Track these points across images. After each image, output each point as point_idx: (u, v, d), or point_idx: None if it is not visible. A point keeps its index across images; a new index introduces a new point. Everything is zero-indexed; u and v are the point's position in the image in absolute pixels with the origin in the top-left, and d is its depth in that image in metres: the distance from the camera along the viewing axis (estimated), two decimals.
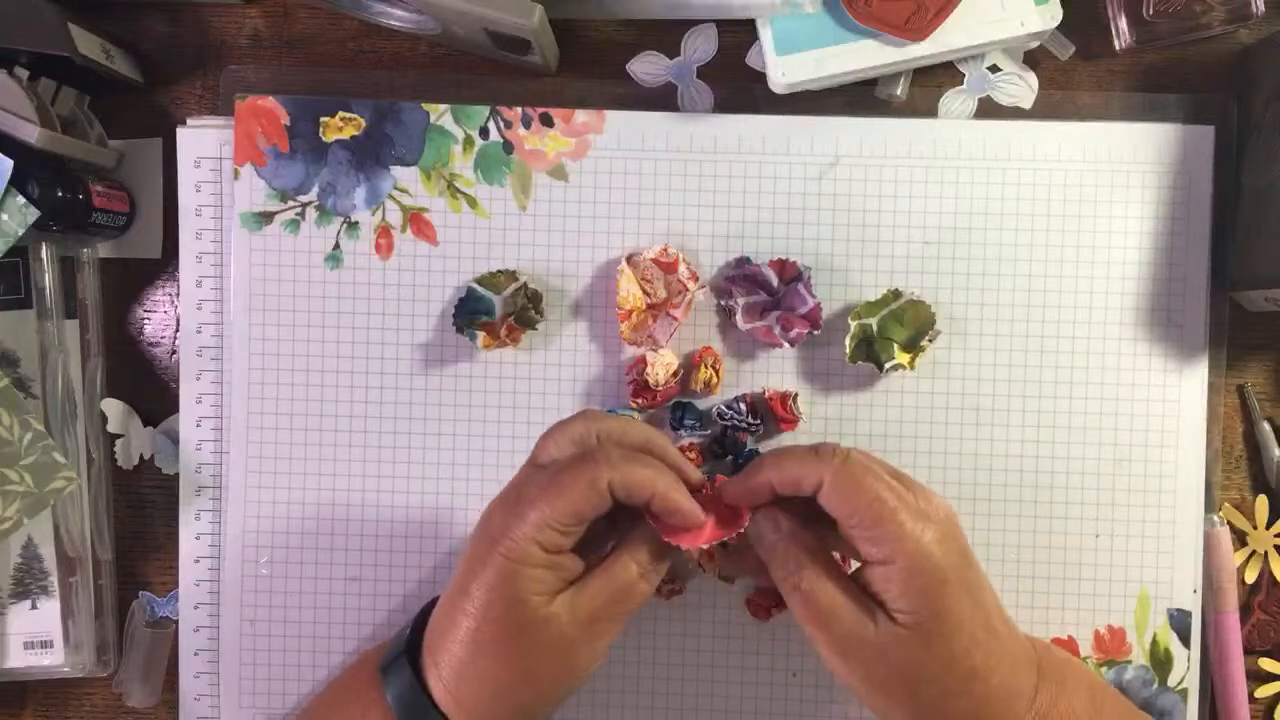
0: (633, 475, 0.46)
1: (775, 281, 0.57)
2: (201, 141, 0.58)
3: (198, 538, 0.59)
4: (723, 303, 0.57)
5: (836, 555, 0.50)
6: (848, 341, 0.56)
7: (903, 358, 0.56)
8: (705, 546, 0.49)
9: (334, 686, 0.54)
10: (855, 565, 0.49)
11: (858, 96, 0.58)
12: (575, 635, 0.47)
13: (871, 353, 0.56)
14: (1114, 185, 0.57)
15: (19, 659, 0.57)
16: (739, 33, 0.57)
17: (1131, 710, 0.52)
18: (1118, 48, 0.57)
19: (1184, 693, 0.57)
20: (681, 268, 0.56)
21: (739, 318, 0.56)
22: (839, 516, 0.46)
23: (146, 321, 0.60)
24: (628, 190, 0.58)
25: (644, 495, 0.47)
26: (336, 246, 0.58)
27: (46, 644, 0.57)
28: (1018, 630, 0.49)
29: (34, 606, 0.57)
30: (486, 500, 0.57)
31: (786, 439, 0.58)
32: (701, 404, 0.58)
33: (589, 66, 0.59)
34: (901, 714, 0.47)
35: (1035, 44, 0.57)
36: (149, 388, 0.60)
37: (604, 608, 0.47)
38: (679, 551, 0.48)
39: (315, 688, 0.58)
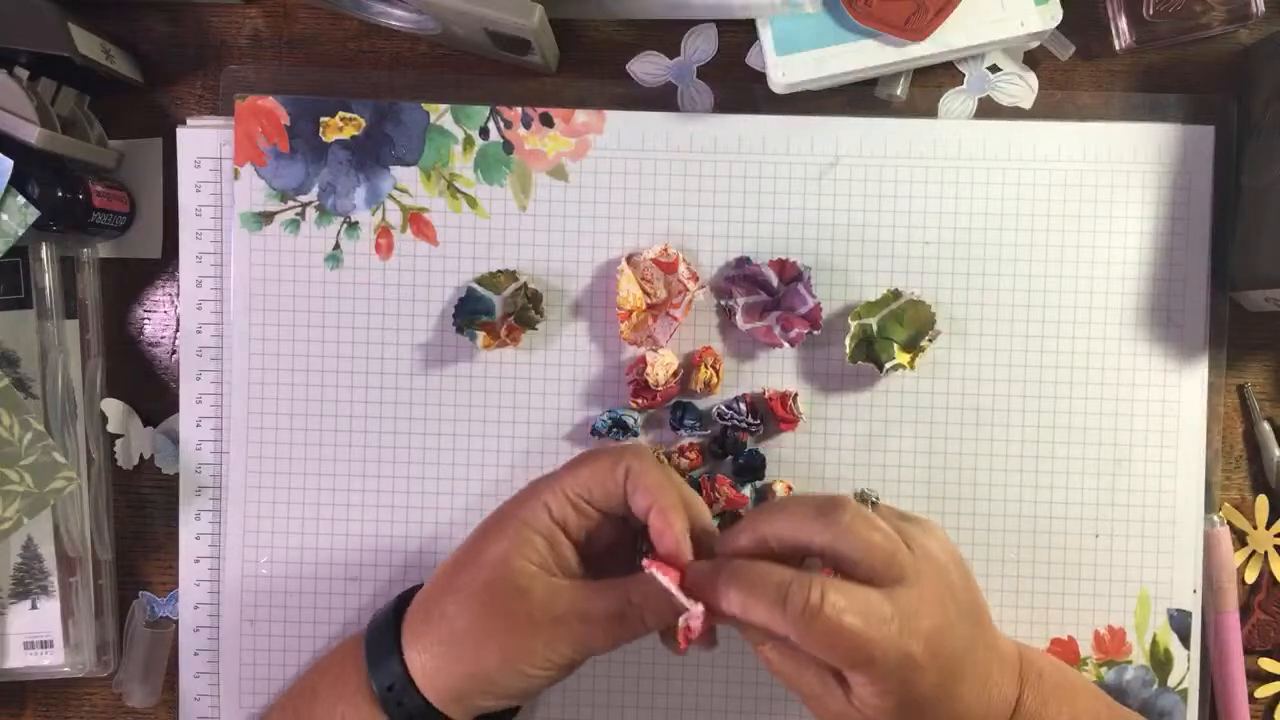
0: (649, 475, 0.47)
1: (775, 281, 0.57)
2: (201, 141, 0.58)
3: (198, 538, 0.59)
4: (723, 303, 0.57)
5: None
6: (848, 341, 0.56)
7: (903, 358, 0.56)
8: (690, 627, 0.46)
9: (319, 664, 0.54)
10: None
11: (858, 96, 0.58)
12: (538, 620, 0.46)
13: (871, 353, 0.56)
14: (1114, 185, 0.57)
15: (19, 659, 0.57)
16: (739, 33, 0.57)
17: (1108, 703, 0.52)
18: (1118, 48, 0.57)
19: (1184, 693, 0.57)
20: (681, 268, 0.56)
21: (739, 318, 0.56)
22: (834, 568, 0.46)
23: (146, 321, 0.60)
24: (628, 190, 0.58)
25: (648, 500, 0.47)
26: (336, 246, 0.58)
27: (46, 644, 0.57)
28: (995, 632, 0.49)
29: (34, 606, 0.57)
30: (486, 500, 0.58)
31: (786, 439, 0.57)
32: (701, 404, 0.58)
33: (589, 66, 0.59)
34: None
35: (1035, 44, 0.57)
36: (149, 388, 0.60)
37: (576, 616, 0.46)
38: (670, 632, 0.46)
39: None
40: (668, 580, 0.46)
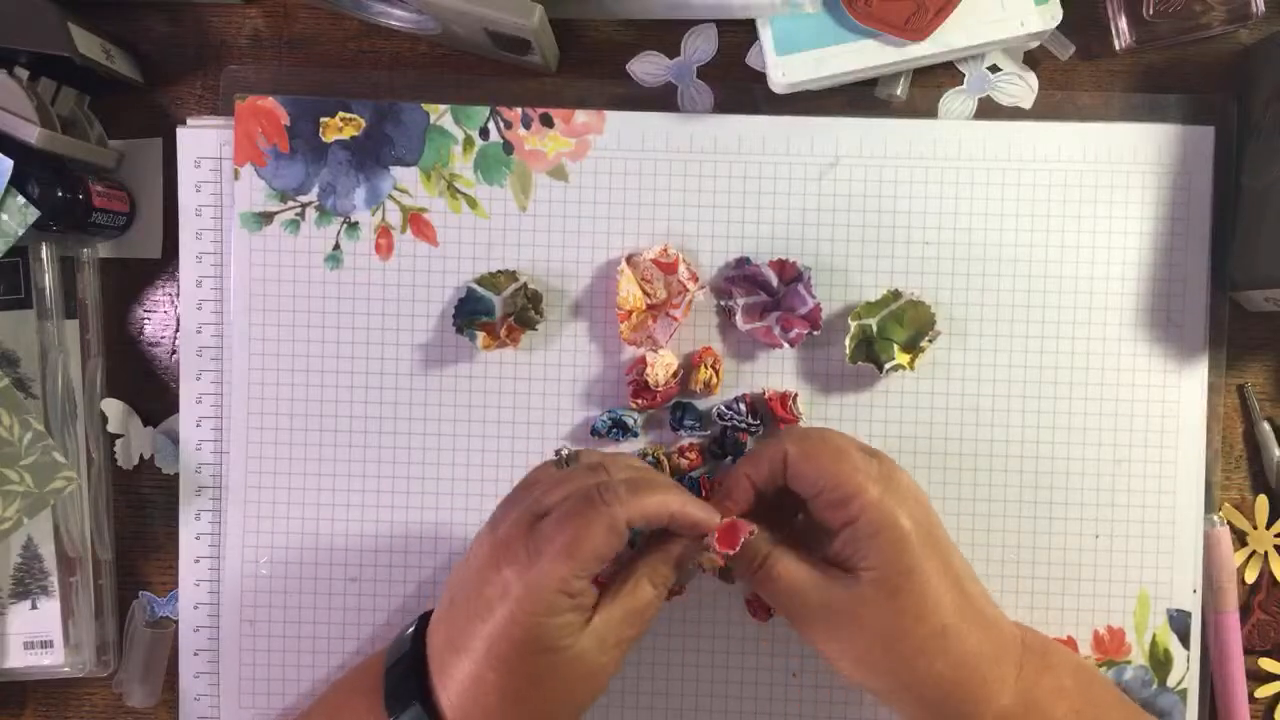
0: (646, 506, 0.46)
1: (775, 282, 0.57)
2: (201, 141, 0.58)
3: (198, 538, 0.59)
4: (723, 303, 0.57)
5: None
6: (848, 342, 0.56)
7: (903, 358, 0.56)
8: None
9: (328, 701, 0.53)
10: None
11: (858, 96, 0.58)
12: (605, 663, 0.47)
13: (871, 353, 0.56)
14: (1114, 185, 0.57)
15: (19, 659, 0.57)
16: (739, 33, 0.57)
17: (1119, 696, 0.52)
18: (1118, 48, 0.57)
19: (1183, 693, 0.57)
20: (681, 268, 0.56)
21: (739, 318, 0.56)
22: (804, 487, 0.48)
23: (146, 321, 0.60)
24: (628, 190, 0.58)
25: (662, 520, 0.47)
26: (336, 247, 0.58)
27: (46, 644, 0.57)
28: (999, 612, 0.50)
29: (34, 606, 0.57)
30: (486, 500, 0.58)
31: None
32: (701, 404, 0.58)
33: (589, 66, 0.59)
34: (884, 683, 0.48)
35: (1035, 44, 0.57)
36: (149, 388, 0.60)
37: (626, 630, 0.47)
38: (690, 564, 0.50)
39: (315, 688, 0.58)
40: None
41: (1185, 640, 0.57)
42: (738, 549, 0.47)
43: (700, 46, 0.58)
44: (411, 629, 0.50)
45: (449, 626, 0.48)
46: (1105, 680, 0.53)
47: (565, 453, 0.50)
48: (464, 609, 0.47)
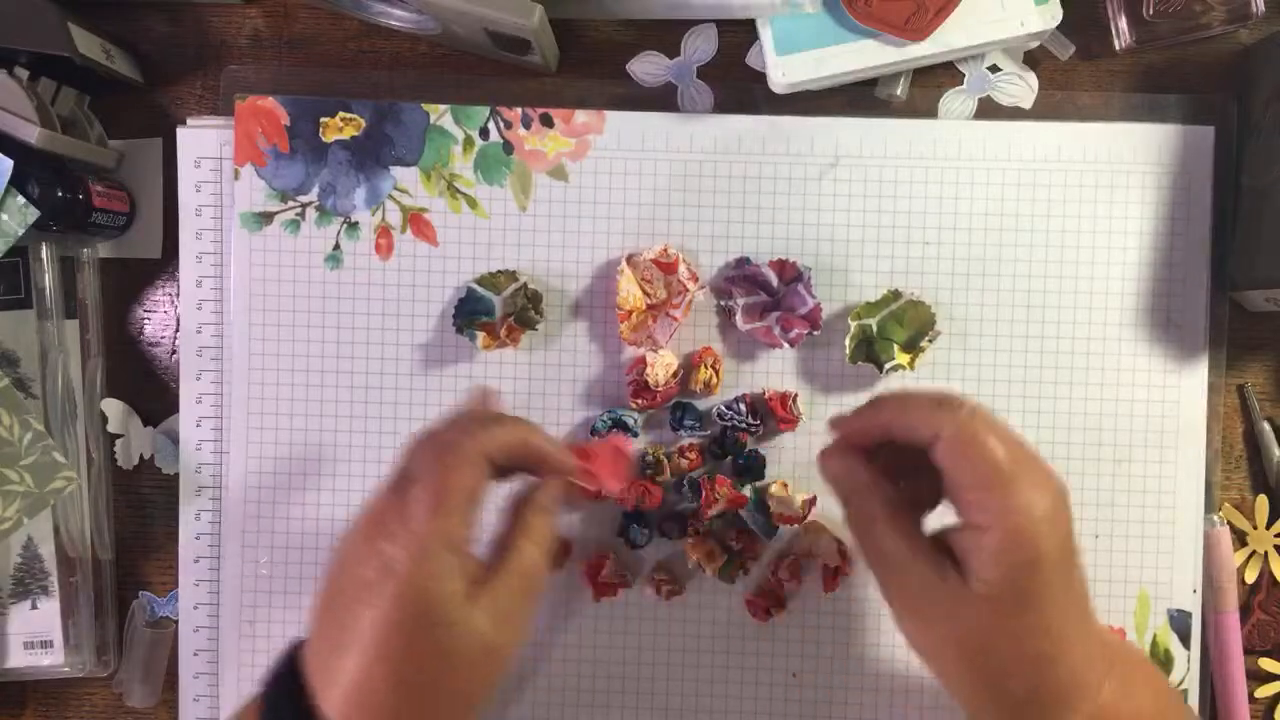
0: (499, 435, 0.45)
1: (775, 282, 0.57)
2: (201, 141, 0.58)
3: (197, 538, 0.59)
4: (723, 303, 0.57)
5: None
6: (848, 342, 0.56)
7: (903, 358, 0.56)
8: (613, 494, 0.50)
9: None
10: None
11: (858, 96, 0.58)
12: (501, 642, 0.44)
13: (871, 353, 0.56)
14: (1114, 185, 0.57)
15: (19, 659, 0.57)
16: (739, 33, 0.57)
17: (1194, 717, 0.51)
18: (1118, 48, 0.57)
19: (1184, 693, 0.57)
20: (681, 268, 0.56)
21: (739, 318, 0.56)
22: (951, 472, 0.44)
23: (146, 321, 0.60)
24: (628, 190, 0.58)
25: (519, 448, 0.46)
26: (336, 247, 0.58)
27: (46, 644, 0.57)
28: (1097, 622, 0.47)
29: (34, 606, 0.57)
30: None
31: (786, 439, 0.58)
32: (701, 404, 0.58)
33: (589, 66, 0.59)
34: (956, 679, 0.46)
35: (1035, 44, 0.57)
36: (149, 388, 0.60)
37: (519, 601, 0.45)
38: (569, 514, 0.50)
39: None
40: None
41: (1185, 640, 0.57)
42: (625, 482, 0.46)
43: (700, 46, 0.58)
44: (282, 656, 0.46)
45: (329, 628, 0.44)
46: (1185, 706, 0.50)
47: None
48: (342, 605, 0.44)
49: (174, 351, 0.60)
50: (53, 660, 0.57)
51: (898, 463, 0.48)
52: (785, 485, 0.57)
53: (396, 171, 0.58)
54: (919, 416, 0.45)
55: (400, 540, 0.43)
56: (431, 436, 0.46)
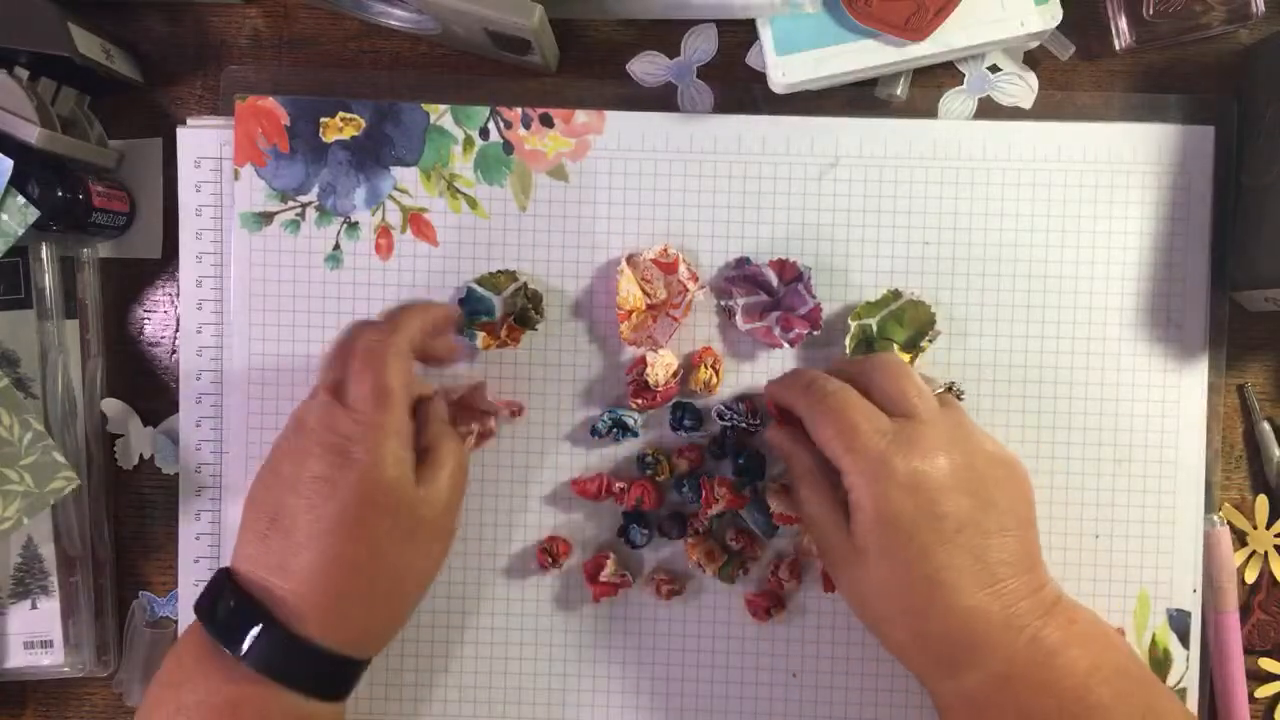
0: (407, 321, 0.51)
1: (775, 282, 0.57)
2: (201, 141, 0.58)
3: (198, 538, 0.59)
4: (723, 303, 0.57)
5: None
6: (848, 342, 0.56)
7: (903, 358, 0.56)
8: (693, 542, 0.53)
9: (159, 678, 0.49)
10: None
11: (858, 96, 0.58)
12: (446, 524, 0.51)
13: (871, 353, 0.56)
14: (1114, 185, 0.57)
15: (19, 659, 0.57)
16: (739, 33, 0.57)
17: (1148, 679, 0.50)
18: (1118, 48, 0.57)
19: (1183, 693, 0.57)
20: (681, 268, 0.56)
21: (739, 318, 0.56)
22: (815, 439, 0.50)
23: (146, 321, 0.60)
24: (628, 190, 0.58)
25: (427, 325, 0.52)
26: (336, 247, 0.58)
27: (46, 644, 0.57)
28: (1028, 588, 0.48)
29: (34, 606, 0.57)
30: (485, 500, 0.58)
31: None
32: (701, 404, 0.58)
33: (589, 66, 0.59)
34: (894, 633, 0.50)
35: (1035, 44, 0.57)
36: (149, 388, 0.60)
37: (454, 491, 0.50)
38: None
39: None
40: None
41: (1185, 640, 0.57)
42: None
43: (700, 46, 0.58)
44: (210, 578, 0.50)
45: (279, 534, 0.47)
46: (1135, 663, 0.50)
47: None
48: (290, 508, 0.47)
49: (174, 351, 0.60)
50: (53, 660, 0.57)
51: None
52: (785, 488, 0.56)
53: (396, 171, 0.58)
54: (790, 398, 0.52)
55: (354, 432, 0.47)
56: (350, 343, 0.50)
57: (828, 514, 0.50)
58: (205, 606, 0.48)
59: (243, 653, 0.46)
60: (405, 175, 0.58)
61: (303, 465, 0.47)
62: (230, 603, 0.47)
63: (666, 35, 0.58)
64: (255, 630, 0.46)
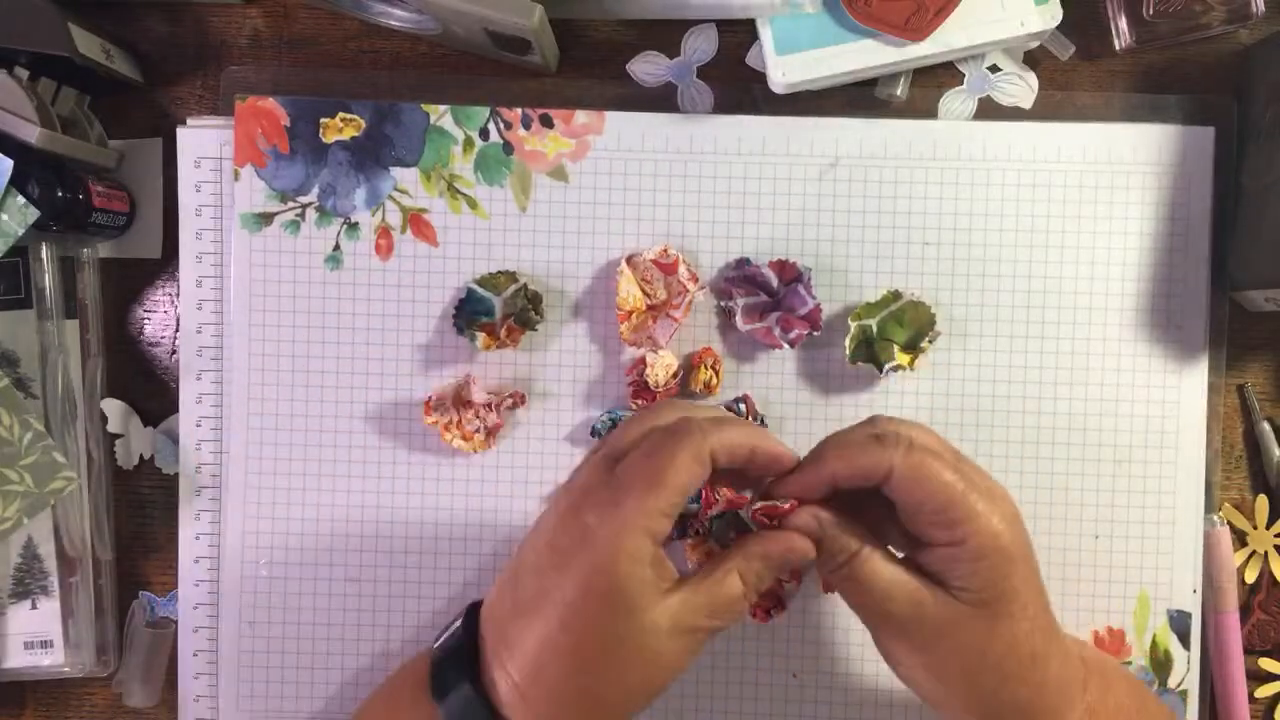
0: (730, 435, 0.44)
1: (775, 282, 0.57)
2: (201, 141, 0.58)
3: (198, 538, 0.59)
4: (723, 304, 0.57)
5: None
6: (847, 343, 0.56)
7: (903, 359, 0.56)
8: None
9: (382, 693, 0.51)
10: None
11: (858, 96, 0.58)
12: (673, 650, 0.44)
13: (871, 354, 0.56)
14: (1114, 186, 0.57)
15: (19, 659, 0.57)
16: (739, 33, 0.57)
17: (1168, 711, 0.52)
18: (1118, 48, 0.57)
19: (1184, 694, 0.57)
20: (681, 269, 0.56)
21: (739, 319, 0.56)
22: (907, 504, 0.45)
23: (146, 321, 0.60)
24: (628, 191, 0.58)
25: (745, 452, 0.45)
26: (336, 247, 0.58)
27: (46, 644, 0.57)
28: (1068, 646, 0.48)
29: (34, 606, 0.57)
30: (486, 501, 0.58)
31: (787, 441, 0.57)
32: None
33: (589, 66, 0.59)
34: (958, 700, 0.46)
35: (1035, 44, 0.57)
36: (149, 388, 0.60)
37: (704, 620, 0.44)
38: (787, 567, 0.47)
39: (314, 688, 0.58)
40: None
41: (1185, 641, 0.57)
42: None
43: (700, 46, 0.58)
44: (461, 617, 0.48)
45: (515, 592, 0.45)
46: (1153, 695, 0.52)
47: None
48: (535, 569, 0.44)
49: (174, 351, 0.60)
50: (53, 660, 0.57)
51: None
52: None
53: (396, 172, 0.58)
54: (864, 461, 0.45)
55: (604, 512, 0.43)
56: (660, 419, 0.45)
57: (912, 581, 0.45)
58: (442, 645, 0.47)
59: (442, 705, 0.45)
60: (405, 176, 0.58)
61: (552, 526, 0.44)
62: (454, 649, 0.46)
63: (666, 35, 0.58)
64: (461, 690, 0.45)
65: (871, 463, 0.45)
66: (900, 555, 0.47)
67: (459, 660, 0.46)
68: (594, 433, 0.57)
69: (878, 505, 0.47)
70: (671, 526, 0.44)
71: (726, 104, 0.58)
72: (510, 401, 0.57)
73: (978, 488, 0.44)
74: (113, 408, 0.59)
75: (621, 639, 0.43)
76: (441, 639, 0.48)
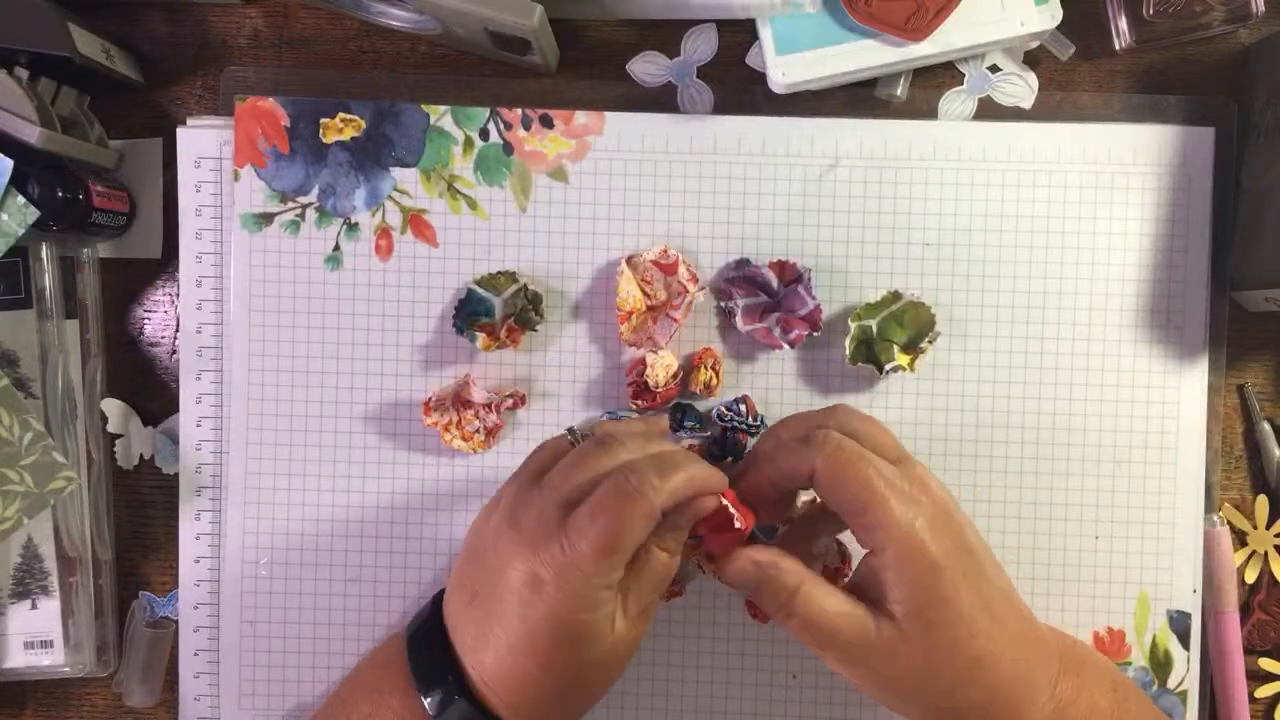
0: (676, 487, 0.45)
1: (775, 283, 0.57)
2: (201, 141, 0.58)
3: (197, 538, 0.59)
4: (723, 304, 0.57)
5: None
6: (848, 343, 0.56)
7: (903, 359, 0.56)
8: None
9: (354, 685, 0.53)
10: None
11: (858, 96, 0.58)
12: (631, 639, 0.47)
13: (871, 354, 0.56)
14: (1114, 187, 0.57)
15: (19, 659, 0.57)
16: (739, 33, 0.57)
17: (1155, 712, 0.52)
18: (1118, 48, 0.57)
19: (1184, 694, 0.57)
20: (681, 269, 0.56)
21: (739, 319, 0.56)
22: (832, 503, 0.47)
23: (146, 321, 0.60)
24: (628, 191, 0.58)
25: (688, 496, 0.46)
26: (336, 248, 0.58)
27: (46, 644, 0.57)
28: (1034, 619, 0.49)
29: (34, 606, 0.57)
30: (485, 500, 0.57)
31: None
32: (701, 405, 0.58)
33: (589, 66, 0.59)
34: (915, 711, 0.47)
35: (1035, 44, 0.57)
36: (149, 388, 0.60)
37: (649, 597, 0.47)
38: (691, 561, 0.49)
39: (314, 688, 0.58)
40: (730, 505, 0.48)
41: (1185, 641, 0.57)
42: (730, 548, 0.48)
43: (700, 46, 0.58)
44: (429, 609, 0.51)
45: (477, 621, 0.47)
46: (1140, 695, 0.52)
47: (577, 432, 0.51)
48: (492, 604, 0.46)
49: (174, 351, 0.60)
50: (53, 660, 0.57)
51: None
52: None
53: (396, 172, 0.58)
54: (791, 462, 0.47)
55: (559, 570, 0.44)
56: (609, 460, 0.46)
57: (850, 609, 0.46)
58: (417, 636, 0.50)
59: (428, 704, 0.47)
60: (405, 176, 0.58)
61: (504, 566, 0.46)
62: (431, 645, 0.49)
63: (666, 35, 0.58)
64: (446, 687, 0.47)
65: (795, 464, 0.46)
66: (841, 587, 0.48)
67: (438, 655, 0.48)
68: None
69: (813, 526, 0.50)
70: (623, 566, 0.45)
71: (726, 104, 0.58)
72: (510, 402, 0.57)
73: (899, 492, 0.45)
74: (113, 408, 0.59)
75: (591, 658, 0.46)
76: (413, 628, 0.51)
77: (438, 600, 0.51)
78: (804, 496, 0.53)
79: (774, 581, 0.47)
